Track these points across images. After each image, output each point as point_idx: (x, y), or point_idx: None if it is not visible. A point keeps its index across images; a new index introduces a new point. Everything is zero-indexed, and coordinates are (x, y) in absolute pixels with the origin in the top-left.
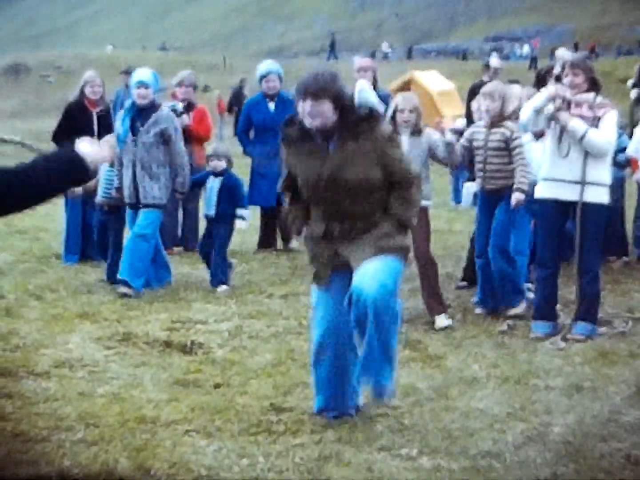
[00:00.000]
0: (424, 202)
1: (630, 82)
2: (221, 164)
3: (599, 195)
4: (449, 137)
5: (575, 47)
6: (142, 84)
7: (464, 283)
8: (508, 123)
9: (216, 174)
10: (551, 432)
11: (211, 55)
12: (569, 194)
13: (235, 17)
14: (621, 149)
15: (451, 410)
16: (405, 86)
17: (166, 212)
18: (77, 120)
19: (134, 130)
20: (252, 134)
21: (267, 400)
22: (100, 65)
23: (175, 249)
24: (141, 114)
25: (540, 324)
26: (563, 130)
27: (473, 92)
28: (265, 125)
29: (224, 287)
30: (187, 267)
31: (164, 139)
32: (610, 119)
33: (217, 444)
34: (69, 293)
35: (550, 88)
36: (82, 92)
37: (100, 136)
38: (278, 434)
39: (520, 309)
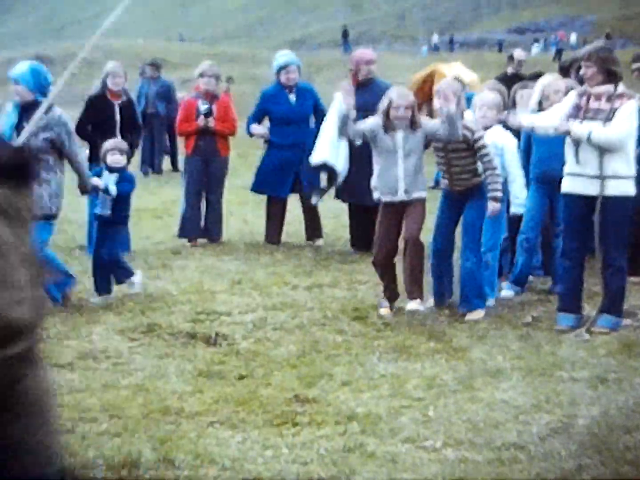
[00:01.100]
0: (422, 194)
1: None
2: (121, 160)
3: (621, 188)
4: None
5: (607, 38)
6: (15, 81)
7: None
8: (467, 123)
9: (112, 170)
10: (576, 424)
11: (235, 46)
12: (590, 188)
13: (258, 8)
14: None
15: (475, 401)
16: (429, 78)
17: (188, 204)
18: (99, 111)
19: (19, 131)
20: (266, 124)
21: (291, 392)
22: (123, 56)
23: (199, 240)
24: (25, 113)
25: (564, 316)
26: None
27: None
28: (286, 117)
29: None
30: (211, 259)
31: (56, 146)
32: (626, 110)
33: (241, 436)
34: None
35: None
36: (104, 84)
37: (122, 128)
38: (302, 425)
39: (478, 315)
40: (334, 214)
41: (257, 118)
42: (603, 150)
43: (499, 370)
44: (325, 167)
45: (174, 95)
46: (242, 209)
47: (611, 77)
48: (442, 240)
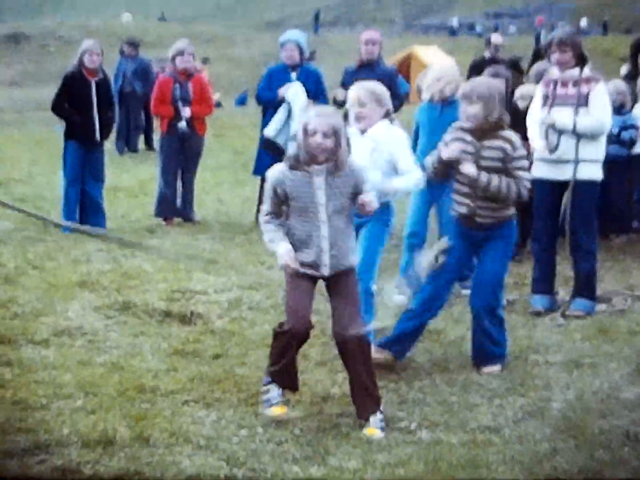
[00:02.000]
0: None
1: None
2: None
3: (592, 172)
4: None
5: (604, 27)
6: None
7: None
8: (506, 132)
9: None
10: (550, 407)
11: (211, 26)
12: (563, 173)
13: None
14: (626, 127)
15: (451, 384)
16: (405, 61)
17: (165, 183)
18: (75, 89)
19: None
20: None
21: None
22: (101, 34)
23: (175, 219)
24: None
25: (538, 297)
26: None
27: (474, 69)
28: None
29: None
30: (186, 238)
31: None
32: (599, 94)
33: (215, 414)
34: (67, 261)
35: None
36: (80, 61)
37: (99, 105)
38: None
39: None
40: None
41: (265, 88)
42: (580, 136)
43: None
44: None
45: (151, 74)
46: (217, 188)
47: (582, 61)
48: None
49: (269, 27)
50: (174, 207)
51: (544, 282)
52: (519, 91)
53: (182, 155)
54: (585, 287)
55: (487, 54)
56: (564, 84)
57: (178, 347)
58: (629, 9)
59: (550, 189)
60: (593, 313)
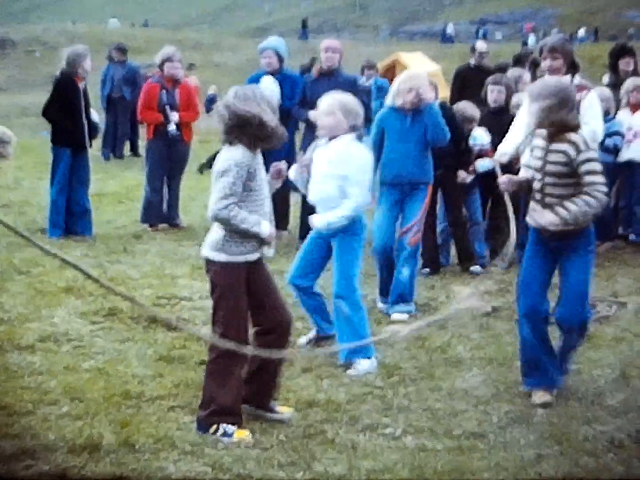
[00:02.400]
0: None
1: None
2: None
3: None
4: None
5: (596, 33)
6: None
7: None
8: (572, 135)
9: None
10: (535, 414)
11: (198, 33)
12: None
13: None
14: (610, 134)
15: (436, 390)
16: (390, 67)
17: (151, 189)
18: (66, 94)
19: None
20: None
21: None
22: (86, 40)
23: (160, 225)
24: None
25: None
26: None
27: (459, 76)
28: None
29: None
30: (172, 244)
31: None
32: (592, 103)
33: None
34: (53, 267)
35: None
36: (72, 67)
37: (86, 110)
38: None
39: None
40: (294, 201)
41: None
42: None
43: (459, 359)
44: None
45: (139, 80)
46: (202, 194)
47: (573, 68)
48: (535, 298)
49: (256, 34)
50: (160, 213)
51: None
52: (515, 99)
53: (169, 162)
54: None
55: (472, 61)
56: None
57: (164, 353)
58: (615, 16)
59: None
60: None
